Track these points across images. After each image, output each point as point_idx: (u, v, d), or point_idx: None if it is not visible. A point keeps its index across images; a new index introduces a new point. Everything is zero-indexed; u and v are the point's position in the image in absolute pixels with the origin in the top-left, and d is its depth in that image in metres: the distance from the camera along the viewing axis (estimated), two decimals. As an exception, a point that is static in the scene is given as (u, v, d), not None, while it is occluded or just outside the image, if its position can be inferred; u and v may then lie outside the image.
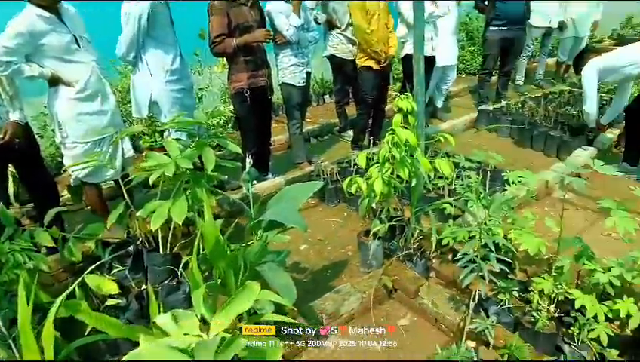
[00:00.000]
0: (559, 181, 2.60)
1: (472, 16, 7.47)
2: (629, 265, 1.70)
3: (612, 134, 3.90)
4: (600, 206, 1.80)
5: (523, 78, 5.93)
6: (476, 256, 1.81)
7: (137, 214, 2.06)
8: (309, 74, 3.58)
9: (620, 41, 8.48)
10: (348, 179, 2.31)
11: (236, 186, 3.31)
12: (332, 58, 4.17)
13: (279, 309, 1.66)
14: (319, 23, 4.00)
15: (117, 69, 4.42)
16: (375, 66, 3.62)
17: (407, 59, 4.17)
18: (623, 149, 3.48)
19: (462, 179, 2.54)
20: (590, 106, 3.44)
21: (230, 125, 4.44)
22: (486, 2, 4.79)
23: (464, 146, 4.16)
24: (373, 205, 2.28)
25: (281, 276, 1.62)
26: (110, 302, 1.99)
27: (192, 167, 1.85)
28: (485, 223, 1.89)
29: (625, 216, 1.67)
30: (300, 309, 1.97)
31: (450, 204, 2.41)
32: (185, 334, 1.23)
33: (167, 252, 2.22)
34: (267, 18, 3.23)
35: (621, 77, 3.23)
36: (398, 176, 2.12)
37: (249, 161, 1.80)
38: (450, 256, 2.31)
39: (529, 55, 5.92)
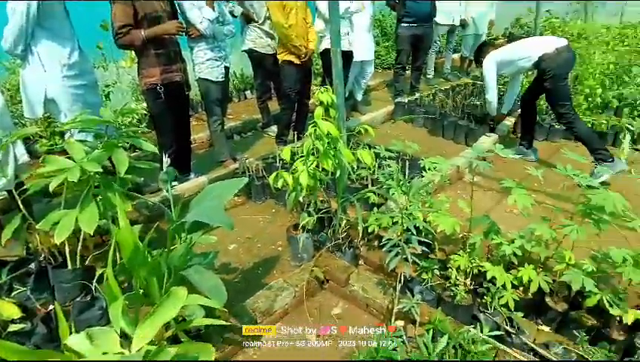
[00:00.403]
0: (468, 166, 2.84)
1: (384, 13, 7.83)
2: (528, 236, 1.91)
3: (509, 122, 4.36)
4: (502, 186, 2.00)
5: (433, 72, 6.39)
6: (400, 241, 1.91)
7: (37, 227, 1.83)
8: (227, 69, 3.47)
9: (511, 38, 9.52)
10: (274, 174, 2.29)
11: (156, 188, 3.11)
12: (251, 52, 4.09)
13: (210, 313, 1.59)
14: (235, 16, 3.88)
15: (4, 64, 3.88)
16: (296, 61, 3.63)
17: (325, 54, 4.24)
18: (519, 134, 3.90)
19: (383, 169, 2.65)
20: (491, 95, 3.78)
21: (144, 124, 4.15)
22: (397, 0, 5.04)
23: (383, 137, 4.36)
24: (301, 199, 2.29)
25: (209, 278, 1.55)
26: (13, 327, 1.74)
27: (101, 170, 1.69)
28: (406, 209, 1.99)
29: (523, 194, 1.87)
30: (232, 310, 1.92)
31: (374, 193, 2.51)
32: (103, 353, 1.12)
33: (78, 266, 2.01)
34: (178, 10, 3.06)
35: (515, 69, 3.60)
36: (323, 169, 2.15)
37: (166, 160, 1.69)
38: (376, 243, 2.40)
39: (437, 50, 6.38)
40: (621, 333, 1.76)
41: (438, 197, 2.47)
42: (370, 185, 2.85)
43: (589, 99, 4.17)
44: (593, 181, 1.78)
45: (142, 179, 2.59)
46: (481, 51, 3.81)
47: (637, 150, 3.75)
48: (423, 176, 2.90)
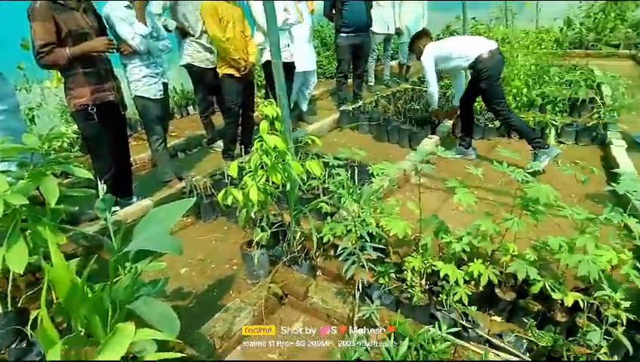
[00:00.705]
0: (414, 168, 2.94)
1: (323, 24, 7.98)
2: (475, 232, 2.00)
3: (449, 123, 4.59)
4: (447, 186, 2.08)
5: (374, 79, 6.60)
6: (355, 248, 1.92)
7: (-45, 271, 1.62)
8: (166, 85, 3.34)
9: (443, 44, 10.08)
10: (223, 191, 2.21)
11: (94, 216, 2.89)
12: (190, 67, 3.97)
13: (164, 346, 1.49)
14: (170, 31, 3.76)
15: None
16: (236, 74, 3.57)
17: (267, 66, 4.22)
18: (458, 135, 4.11)
19: (333, 177, 2.66)
20: (432, 88, 3.90)
21: (77, 147, 3.87)
22: (333, 11, 5.15)
23: (331, 145, 4.41)
24: (252, 214, 2.23)
25: (159, 308, 1.45)
26: None
27: (27, 202, 1.53)
28: (359, 216, 2.01)
29: (466, 192, 1.96)
30: (187, 339, 1.81)
31: (326, 203, 2.51)
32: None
33: (9, 309, 1.81)
34: (107, 25, 2.90)
35: (452, 66, 3.74)
36: (273, 183, 2.12)
37: (102, 186, 1.57)
38: (332, 252, 2.40)
39: (375, 58, 6.60)
40: (564, 315, 1.88)
41: (389, 202, 2.52)
42: (321, 195, 2.85)
43: (517, 98, 4.51)
44: (528, 175, 1.90)
45: (77, 208, 2.40)
46: (414, 40, 3.91)
47: (561, 142, 4.09)
48: (372, 182, 2.97)
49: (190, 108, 5.70)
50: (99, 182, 1.71)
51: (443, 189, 3.25)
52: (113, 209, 1.74)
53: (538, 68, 5.01)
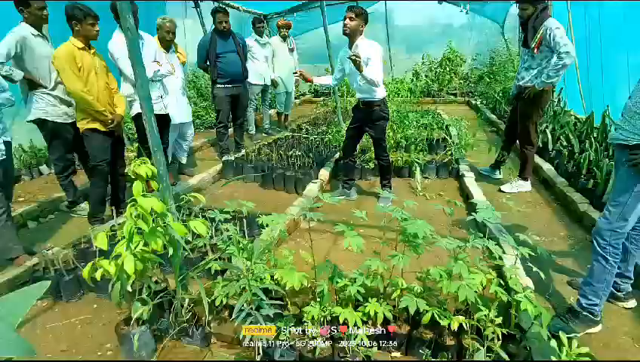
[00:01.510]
0: (303, 214, 2.96)
1: (198, 74, 7.90)
2: (366, 272, 2.07)
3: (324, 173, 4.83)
4: (336, 230, 2.13)
5: (254, 128, 6.68)
6: (251, 308, 1.79)
7: None
8: (8, 144, 2.83)
9: (316, 94, 10.88)
10: (89, 265, 1.89)
11: None
12: (42, 123, 3.45)
13: None
14: (15, 82, 3.25)
15: None
16: (102, 128, 3.23)
17: (138, 119, 3.93)
18: (341, 178, 4.29)
19: (221, 233, 2.52)
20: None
21: None
22: (207, 63, 5.14)
23: (217, 198, 4.23)
24: (129, 288, 1.94)
25: None
26: None
27: None
28: (252, 272, 1.91)
29: (354, 235, 2.03)
30: None
31: (216, 260, 2.34)
32: None
33: None
34: None
35: None
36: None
37: None
38: (227, 314, 2.22)
39: (254, 108, 6.73)
40: (452, 339, 2.02)
41: (281, 252, 2.47)
42: (209, 253, 2.66)
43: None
44: (406, 213, 2.06)
45: None
46: None
47: (426, 178, 4.63)
48: (261, 233, 2.90)
49: (43, 167, 4.93)
50: None
51: (332, 231, 3.34)
52: None
53: (399, 114, 5.69)
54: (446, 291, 1.89)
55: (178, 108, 4.34)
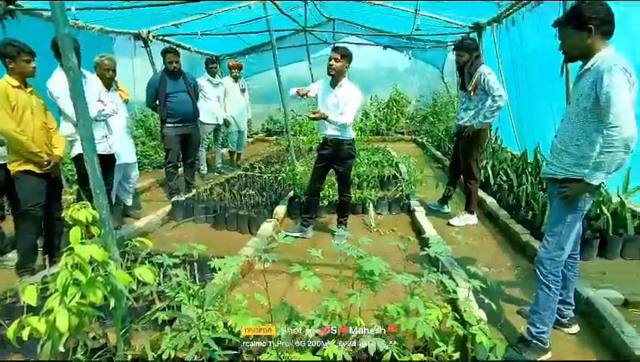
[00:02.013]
0: (257, 254, 2.88)
1: (146, 113, 7.71)
2: (324, 313, 2.01)
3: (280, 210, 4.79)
4: (292, 270, 2.08)
5: (206, 167, 6.55)
6: (202, 360, 1.67)
7: None
8: None
9: (269, 133, 10.98)
10: (16, 323, 1.67)
11: None
12: (-33, 165, 3.16)
13: None
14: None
15: None
16: (37, 170, 3.01)
17: (79, 160, 3.71)
18: (304, 215, 4.25)
19: (169, 279, 2.37)
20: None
21: None
22: (157, 103, 5.03)
23: (166, 241, 4.01)
24: (62, 348, 1.74)
25: None
26: None
27: None
28: (203, 320, 1.79)
29: (311, 275, 1.99)
30: None
31: (163, 309, 2.17)
32: None
33: None
34: None
35: None
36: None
37: None
38: (175, 369, 2.04)
39: (206, 147, 6.63)
40: (412, 377, 1.99)
41: (234, 296, 2.36)
42: (156, 301, 2.48)
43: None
44: (362, 251, 2.06)
45: None
46: None
47: (379, 214, 4.72)
48: (214, 277, 2.76)
49: (-33, 214, 4.45)
50: None
51: (288, 272, 3.25)
52: None
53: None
54: (404, 328, 1.88)
55: (122, 148, 4.17)
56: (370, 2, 6.68)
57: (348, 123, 3.56)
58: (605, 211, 3.46)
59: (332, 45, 4.14)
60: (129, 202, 4.64)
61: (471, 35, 6.82)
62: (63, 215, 3.39)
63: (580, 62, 2.20)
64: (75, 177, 4.40)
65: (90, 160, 1.79)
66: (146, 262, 2.59)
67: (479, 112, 4.04)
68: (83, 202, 1.64)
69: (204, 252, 2.68)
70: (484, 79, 3.91)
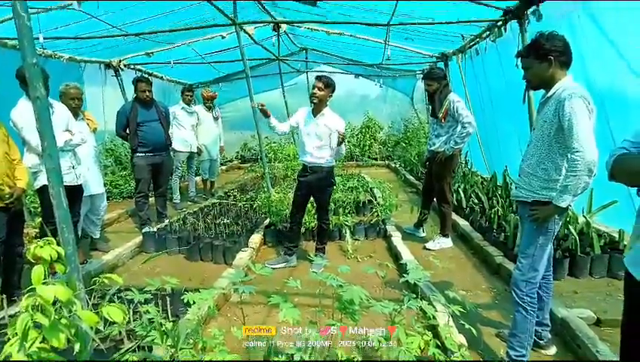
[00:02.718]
0: (233, 286, 2.79)
1: (116, 143, 7.53)
2: (304, 346, 1.95)
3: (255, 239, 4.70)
4: (270, 302, 2.02)
5: (179, 196, 6.39)
6: (176, 405, 1.57)
7: None
8: None
9: (243, 160, 10.90)
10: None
11: None
12: None
13: None
14: None
15: None
16: (-2, 204, 2.84)
17: (44, 192, 3.54)
18: (287, 244, 4.16)
19: (140, 316, 2.25)
20: None
21: None
22: (127, 131, 4.93)
23: (136, 275, 3.85)
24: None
25: None
26: None
27: None
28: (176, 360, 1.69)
29: (290, 306, 1.93)
30: None
31: (133, 350, 2.05)
32: None
33: None
34: None
35: None
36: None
37: None
38: (145, 415, 1.90)
39: (179, 175, 6.50)
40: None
41: (210, 331, 2.26)
42: (125, 340, 2.35)
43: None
44: (340, 280, 2.03)
45: None
46: None
47: (356, 240, 4.71)
48: (188, 312, 2.64)
49: None
50: None
51: (265, 303, 3.16)
52: None
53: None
54: (387, 357, 1.84)
55: (90, 178, 4.04)
56: (340, 34, 6.90)
57: (344, 152, 3.83)
58: (573, 231, 3.58)
59: (311, 78, 4.25)
60: (96, 235, 4.44)
61: (438, 64, 7.12)
62: (24, 251, 3.20)
63: (541, 91, 2.32)
64: (39, 210, 4.19)
65: (56, 192, 1.70)
66: (115, 298, 2.47)
67: (450, 138, 4.17)
68: (47, 238, 1.55)
69: (177, 285, 2.58)
70: (453, 106, 4.07)
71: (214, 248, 4.22)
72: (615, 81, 3.55)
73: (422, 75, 4.43)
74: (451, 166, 4.35)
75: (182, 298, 2.19)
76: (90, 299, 2.50)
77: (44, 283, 1.35)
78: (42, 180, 3.52)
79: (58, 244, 1.67)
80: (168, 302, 2.66)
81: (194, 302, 2.06)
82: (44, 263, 1.46)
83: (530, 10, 3.87)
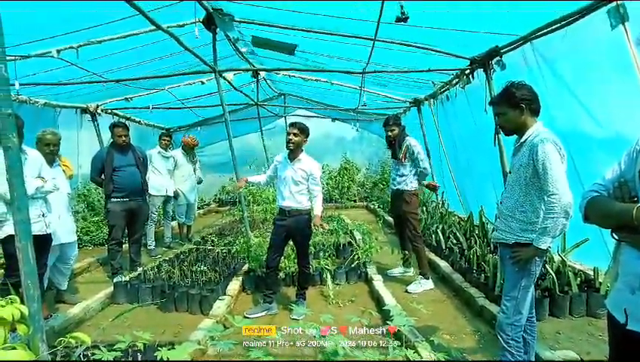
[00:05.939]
0: (210, 338, 2.65)
1: (89, 188, 7.33)
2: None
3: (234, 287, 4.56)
4: (250, 359, 1.92)
5: (154, 242, 6.18)
6: None
7: None
8: None
9: (221, 204, 10.75)
10: None
11: None
12: None
13: None
14: None
15: None
16: (-44, 257, 2.66)
17: (9, 242, 3.35)
18: (266, 291, 4.03)
19: (109, 377, 2.08)
20: None
21: None
22: (102, 177, 4.82)
23: (106, 330, 3.61)
24: None
25: None
26: None
27: None
28: None
29: (272, 360, 1.84)
30: None
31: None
32: None
33: None
34: None
35: None
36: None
37: None
38: None
39: (155, 221, 6.33)
40: None
41: (185, 391, 2.11)
42: (91, 405, 2.15)
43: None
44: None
45: None
46: None
47: (337, 284, 4.61)
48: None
49: None
50: None
51: (245, 357, 3.00)
52: None
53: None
54: (373, 414, 1.75)
55: (61, 226, 3.87)
56: (317, 80, 7.16)
57: (320, 192, 3.85)
58: (550, 270, 3.63)
59: (289, 122, 4.45)
60: (64, 286, 4.19)
61: (411, 109, 7.42)
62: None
63: (513, 136, 2.43)
64: (2, 261, 3.95)
65: (23, 246, 1.62)
66: (81, 358, 2.30)
67: (411, 177, 4.52)
68: (11, 296, 1.45)
69: (150, 340, 2.43)
70: (410, 149, 4.47)
71: (190, 297, 4.04)
72: (577, 124, 3.74)
73: (383, 123, 4.80)
74: (416, 203, 4.64)
75: (155, 355, 2.06)
76: (54, 359, 2.31)
77: (3, 348, 1.25)
78: (8, 230, 3.34)
79: (21, 300, 1.56)
80: (140, 359, 2.49)
81: (168, 359, 1.94)
82: (5, 324, 1.35)
83: (494, 60, 4.14)
